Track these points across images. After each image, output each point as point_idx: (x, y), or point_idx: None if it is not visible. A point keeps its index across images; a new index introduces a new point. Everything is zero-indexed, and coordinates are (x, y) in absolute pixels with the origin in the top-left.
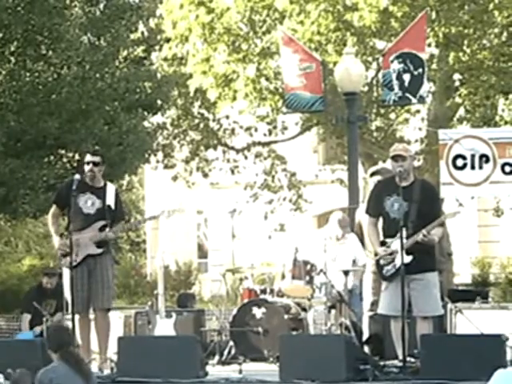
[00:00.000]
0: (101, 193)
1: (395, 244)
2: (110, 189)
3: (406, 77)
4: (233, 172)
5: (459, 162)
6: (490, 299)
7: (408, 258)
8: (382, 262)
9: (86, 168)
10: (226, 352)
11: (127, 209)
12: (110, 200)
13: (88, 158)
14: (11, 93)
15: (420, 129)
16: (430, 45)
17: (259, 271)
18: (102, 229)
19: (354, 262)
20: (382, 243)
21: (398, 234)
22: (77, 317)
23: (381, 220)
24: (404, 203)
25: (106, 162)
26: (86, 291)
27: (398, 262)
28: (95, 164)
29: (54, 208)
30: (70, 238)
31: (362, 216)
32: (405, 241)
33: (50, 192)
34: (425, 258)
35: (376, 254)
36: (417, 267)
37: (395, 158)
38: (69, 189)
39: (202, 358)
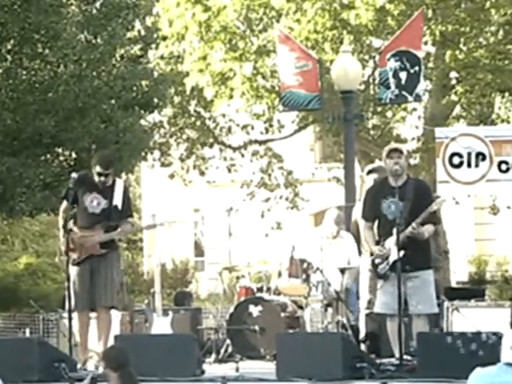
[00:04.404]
0: (108, 192)
1: (389, 242)
2: (119, 186)
3: (403, 75)
4: (229, 170)
5: (456, 160)
6: (486, 297)
7: (400, 254)
8: (376, 260)
9: (97, 179)
10: (222, 350)
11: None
12: (117, 199)
13: (98, 169)
14: (7, 91)
15: (417, 127)
16: (426, 43)
17: (256, 269)
18: (107, 230)
19: (348, 261)
20: (377, 243)
21: (392, 232)
22: (76, 314)
23: (376, 221)
24: (400, 203)
25: (114, 164)
26: (88, 289)
27: (391, 259)
28: (106, 176)
29: (64, 203)
30: (67, 236)
31: (358, 214)
32: (396, 237)
33: (47, 190)
34: (419, 256)
35: (372, 254)
36: (412, 265)
37: (390, 153)
38: (76, 185)
39: (198, 356)
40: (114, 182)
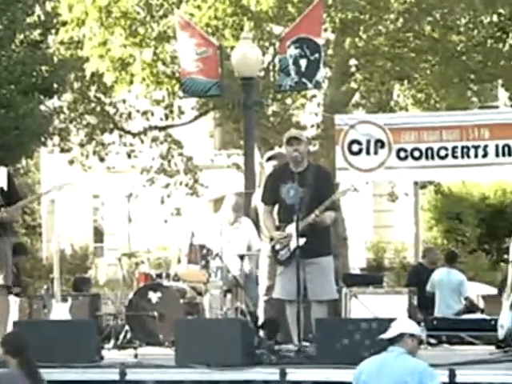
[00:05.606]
0: None
1: (290, 228)
2: (2, 172)
3: (303, 62)
4: (129, 156)
5: (355, 148)
6: (384, 284)
7: (302, 241)
8: (277, 246)
9: None
10: (121, 336)
11: (24, 192)
12: (2, 183)
13: None
14: None
15: (316, 114)
16: (326, 30)
17: (155, 255)
18: None
19: (249, 246)
20: (277, 228)
21: (292, 218)
22: None
23: (276, 207)
24: (300, 189)
25: None
26: None
27: (292, 246)
28: None
29: None
30: None
31: (257, 201)
32: (296, 223)
33: None
34: (319, 242)
35: (272, 239)
36: (312, 251)
37: (290, 141)
38: None
39: (97, 342)
40: None
